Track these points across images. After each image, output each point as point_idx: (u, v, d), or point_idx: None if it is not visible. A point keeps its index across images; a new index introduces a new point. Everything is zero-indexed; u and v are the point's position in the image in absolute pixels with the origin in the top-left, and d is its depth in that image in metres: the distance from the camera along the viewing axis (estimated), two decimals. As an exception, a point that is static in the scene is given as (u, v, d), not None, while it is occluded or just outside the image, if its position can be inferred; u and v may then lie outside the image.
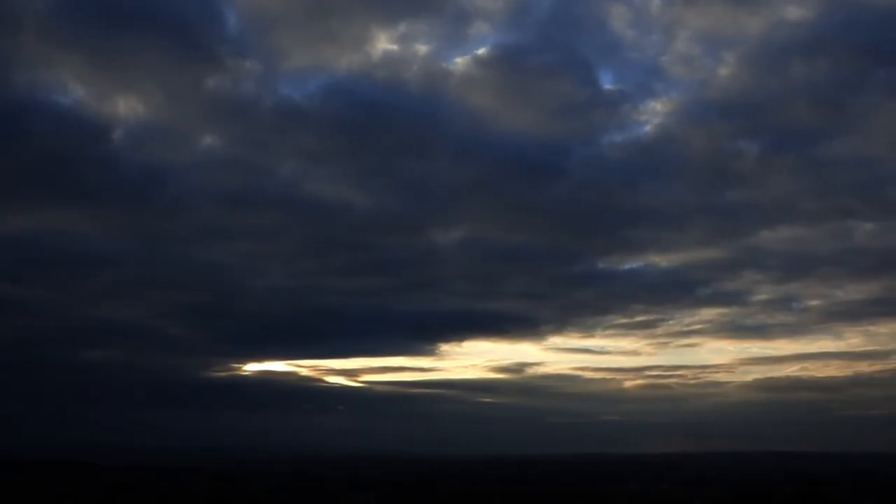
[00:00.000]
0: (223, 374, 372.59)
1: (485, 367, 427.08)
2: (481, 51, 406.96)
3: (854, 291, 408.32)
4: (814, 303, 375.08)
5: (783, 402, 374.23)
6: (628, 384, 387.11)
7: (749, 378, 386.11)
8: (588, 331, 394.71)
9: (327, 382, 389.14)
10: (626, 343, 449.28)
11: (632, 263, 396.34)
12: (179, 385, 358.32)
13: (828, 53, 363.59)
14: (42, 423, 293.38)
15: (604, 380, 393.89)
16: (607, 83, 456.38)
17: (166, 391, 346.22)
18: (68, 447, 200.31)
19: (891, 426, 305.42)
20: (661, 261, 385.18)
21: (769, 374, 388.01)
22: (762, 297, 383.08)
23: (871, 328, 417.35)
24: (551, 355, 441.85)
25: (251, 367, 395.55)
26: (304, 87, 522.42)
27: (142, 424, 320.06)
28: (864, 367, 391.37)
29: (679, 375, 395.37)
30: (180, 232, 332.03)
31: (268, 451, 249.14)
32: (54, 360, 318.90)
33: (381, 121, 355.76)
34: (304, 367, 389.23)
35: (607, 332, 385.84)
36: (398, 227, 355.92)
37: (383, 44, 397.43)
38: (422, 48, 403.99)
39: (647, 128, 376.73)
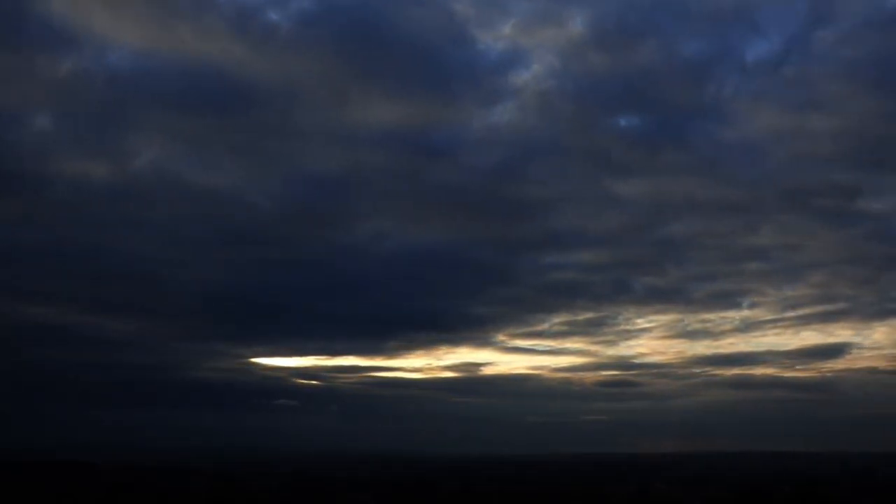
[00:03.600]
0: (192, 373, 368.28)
1: (439, 366, 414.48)
2: (310, 6, 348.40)
3: (788, 289, 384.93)
4: (754, 300, 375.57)
5: (753, 400, 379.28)
6: (589, 383, 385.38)
7: (703, 377, 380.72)
8: (531, 328, 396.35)
9: (293, 382, 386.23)
10: (571, 343, 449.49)
11: (552, 258, 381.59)
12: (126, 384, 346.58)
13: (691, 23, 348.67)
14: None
15: (566, 379, 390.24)
16: (475, 48, 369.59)
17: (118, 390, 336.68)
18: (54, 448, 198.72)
19: (865, 425, 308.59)
20: (582, 256, 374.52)
21: (717, 373, 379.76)
22: (697, 294, 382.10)
23: (813, 325, 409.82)
24: (503, 356, 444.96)
25: (209, 365, 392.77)
26: (133, 60, 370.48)
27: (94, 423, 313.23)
28: (820, 365, 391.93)
29: (640, 374, 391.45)
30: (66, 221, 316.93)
31: (243, 449, 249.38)
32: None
33: (224, 99, 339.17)
34: (260, 365, 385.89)
35: (553, 329, 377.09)
36: (303, 221, 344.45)
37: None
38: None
39: (521, 103, 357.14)
